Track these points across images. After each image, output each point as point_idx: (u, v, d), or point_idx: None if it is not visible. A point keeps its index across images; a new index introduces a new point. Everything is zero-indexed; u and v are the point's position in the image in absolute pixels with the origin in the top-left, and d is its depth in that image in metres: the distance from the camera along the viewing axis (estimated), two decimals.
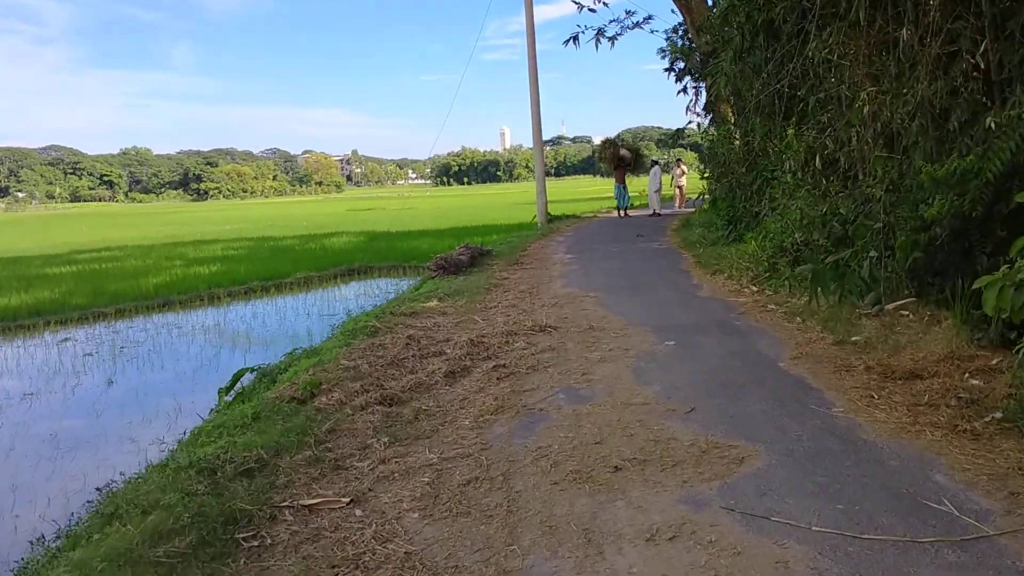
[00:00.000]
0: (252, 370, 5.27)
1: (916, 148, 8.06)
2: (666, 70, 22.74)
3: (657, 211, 24.96)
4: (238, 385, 7.84)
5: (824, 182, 9.96)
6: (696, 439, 4.34)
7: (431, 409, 5.23)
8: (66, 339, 13.28)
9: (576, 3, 21.92)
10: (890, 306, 7.20)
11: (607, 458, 4.13)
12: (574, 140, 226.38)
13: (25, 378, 10.73)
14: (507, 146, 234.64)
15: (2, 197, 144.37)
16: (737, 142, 18.34)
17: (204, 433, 5.22)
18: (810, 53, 10.53)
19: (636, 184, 29.77)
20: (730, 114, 20.76)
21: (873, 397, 4.85)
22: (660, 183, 25.31)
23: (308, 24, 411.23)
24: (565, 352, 6.59)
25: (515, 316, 8.25)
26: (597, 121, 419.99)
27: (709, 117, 21.85)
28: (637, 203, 30.74)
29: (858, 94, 9.46)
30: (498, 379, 5.78)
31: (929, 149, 8.02)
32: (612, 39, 22.44)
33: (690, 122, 21.96)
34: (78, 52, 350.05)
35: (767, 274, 9.13)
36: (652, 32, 23.57)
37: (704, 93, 22.25)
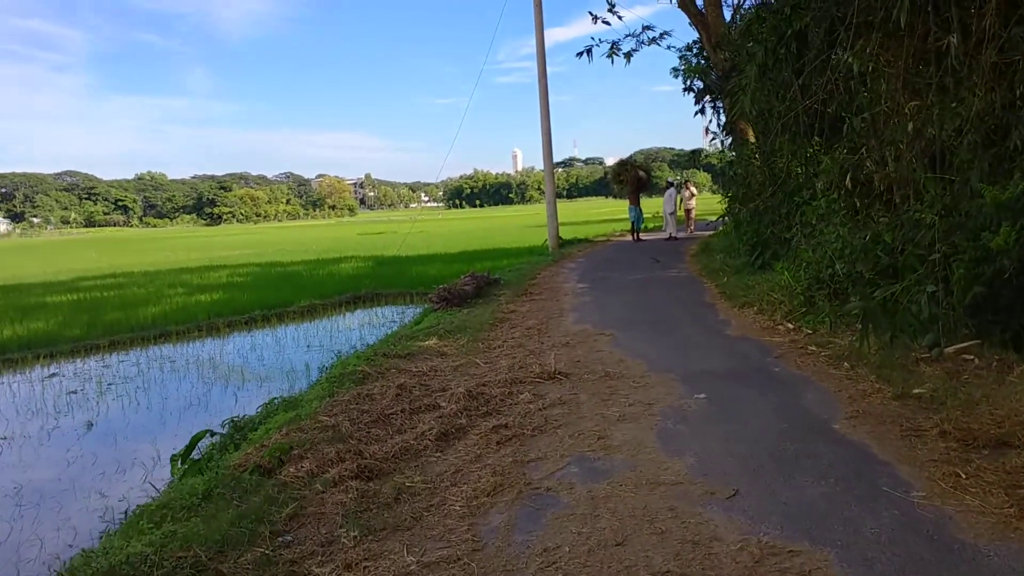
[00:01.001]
0: (211, 434, 4.37)
1: (972, 168, 7.17)
2: (685, 90, 21.93)
3: (673, 235, 24.05)
4: (208, 438, 7.04)
5: (859, 204, 9.09)
6: (745, 539, 3.40)
7: (416, 486, 4.32)
8: (53, 374, 12.59)
9: (591, 14, 21.24)
10: (950, 349, 6.27)
11: (633, 569, 3.21)
12: (586, 162, 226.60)
13: (1, 420, 10.03)
14: (519, 168, 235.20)
15: (17, 222, 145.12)
16: (756, 163, 17.56)
17: (147, 515, 4.36)
18: (842, 66, 9.71)
19: (648, 205, 28.92)
20: (751, 134, 19.95)
21: (959, 476, 3.90)
22: (676, 205, 24.39)
23: (323, 49, 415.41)
24: (578, 407, 5.68)
25: (521, 359, 7.37)
26: (609, 142, 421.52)
27: (729, 138, 21.02)
28: (650, 225, 29.90)
29: (898, 109, 8.63)
30: (498, 443, 4.87)
31: (986, 169, 7.15)
32: (628, 55, 21.73)
33: (713, 139, 21.03)
34: (95, 78, 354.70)
35: (803, 309, 8.18)
36: (669, 48, 22.82)
37: (723, 112, 21.52)
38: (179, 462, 4.38)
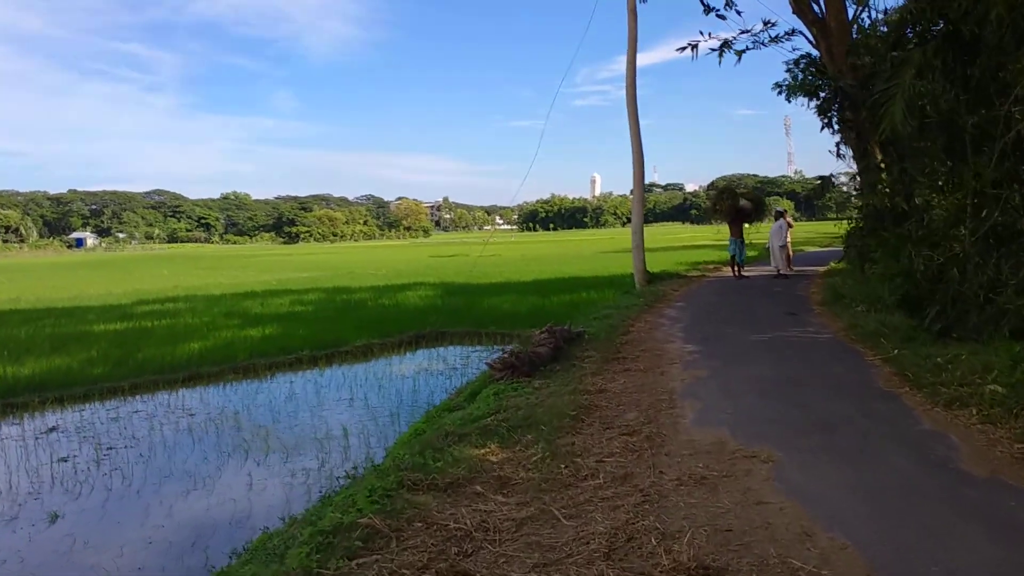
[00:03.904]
0: None
1: None
2: (814, 103, 18.76)
3: (782, 271, 20.76)
4: None
5: None
6: None
7: None
8: (53, 428, 10.70)
9: (703, 3, 18.37)
10: None
11: None
12: (665, 187, 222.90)
13: None
14: (597, 193, 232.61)
15: (104, 237, 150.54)
16: (885, 191, 14.44)
17: None
18: None
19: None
20: (878, 155, 16.77)
21: None
22: (786, 237, 20.99)
23: (405, 73, 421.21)
24: None
25: (627, 515, 4.47)
26: (689, 168, 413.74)
27: (850, 160, 17.79)
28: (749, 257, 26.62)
29: None
30: None
31: None
32: (740, 53, 18.77)
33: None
34: (186, 99, 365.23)
35: None
36: (794, 50, 19.63)
37: (848, 129, 18.33)
38: None
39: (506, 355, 8.51)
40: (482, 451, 5.59)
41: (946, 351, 7.79)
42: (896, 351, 8.38)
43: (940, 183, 9.28)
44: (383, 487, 4.66)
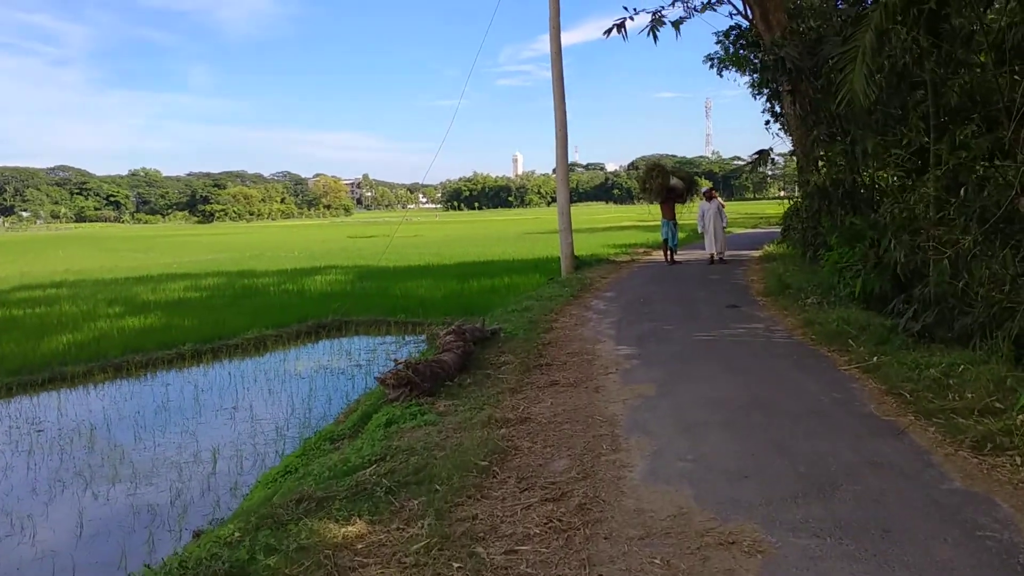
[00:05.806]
0: None
1: None
2: (746, 78, 17.45)
3: (717, 255, 19.35)
4: None
5: None
6: None
7: None
8: None
9: None
10: None
11: None
12: (587, 167, 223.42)
13: None
14: (519, 172, 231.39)
15: (7, 216, 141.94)
16: (823, 169, 13.38)
17: None
18: None
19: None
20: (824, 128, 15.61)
21: None
22: (725, 219, 19.45)
23: (325, 48, 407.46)
24: None
25: None
26: (609, 148, 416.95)
27: (804, 137, 16.44)
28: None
29: None
30: None
31: None
32: (677, 24, 17.21)
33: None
34: (96, 74, 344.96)
35: None
36: (731, 15, 17.96)
37: (779, 103, 17.14)
38: None
39: (401, 367, 6.66)
40: (344, 530, 3.79)
41: (934, 359, 6.41)
42: (875, 359, 6.96)
43: (898, 158, 7.92)
44: None
